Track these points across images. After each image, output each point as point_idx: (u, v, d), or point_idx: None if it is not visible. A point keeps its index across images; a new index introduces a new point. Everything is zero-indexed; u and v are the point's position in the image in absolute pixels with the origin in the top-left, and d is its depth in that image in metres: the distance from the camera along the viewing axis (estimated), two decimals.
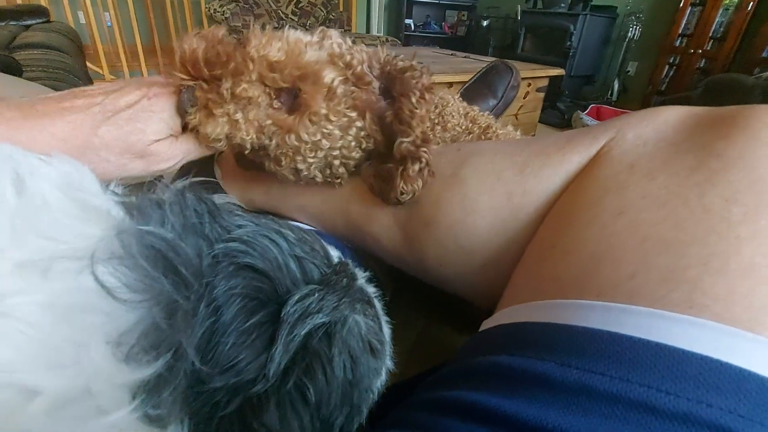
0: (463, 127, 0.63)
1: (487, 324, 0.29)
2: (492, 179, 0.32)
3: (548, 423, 0.20)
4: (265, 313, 0.18)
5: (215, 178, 0.51)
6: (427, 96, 0.35)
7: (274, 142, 0.34)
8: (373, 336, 0.23)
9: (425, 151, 0.34)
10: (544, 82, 1.88)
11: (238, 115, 0.32)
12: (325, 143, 0.36)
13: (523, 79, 1.72)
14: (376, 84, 0.37)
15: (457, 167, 0.35)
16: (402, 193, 0.34)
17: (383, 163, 0.37)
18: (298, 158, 0.36)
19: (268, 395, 0.17)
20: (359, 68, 0.35)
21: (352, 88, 0.36)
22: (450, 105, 0.63)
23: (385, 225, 0.38)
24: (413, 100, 0.34)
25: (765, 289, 0.20)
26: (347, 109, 0.35)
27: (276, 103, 0.34)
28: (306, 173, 0.38)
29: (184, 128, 0.34)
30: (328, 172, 0.39)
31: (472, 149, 0.36)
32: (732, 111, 0.26)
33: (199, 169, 0.54)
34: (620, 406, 0.19)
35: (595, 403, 0.20)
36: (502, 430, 0.22)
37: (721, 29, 2.45)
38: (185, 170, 0.56)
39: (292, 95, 0.34)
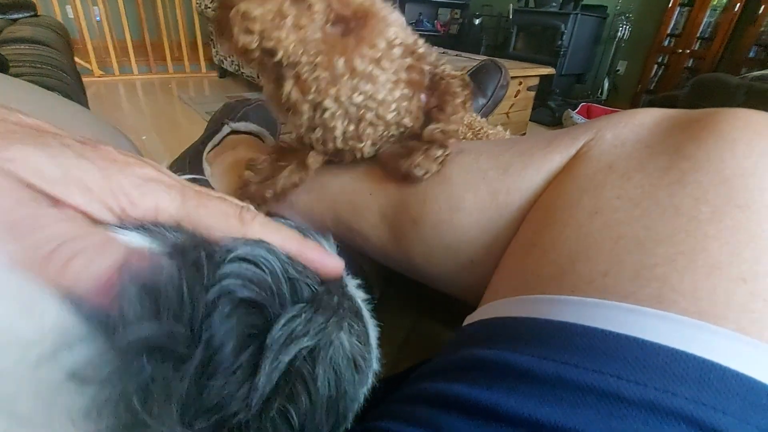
0: (462, 136, 0.64)
1: (469, 319, 0.30)
2: (477, 178, 0.33)
3: (525, 413, 0.21)
4: (254, 347, 0.18)
5: (204, 175, 0.51)
6: (467, 106, 0.36)
7: (315, 60, 0.30)
8: (359, 353, 0.23)
9: (452, 143, 0.35)
10: (535, 81, 1.90)
11: (291, 12, 0.29)
12: (369, 87, 0.33)
13: (514, 77, 1.73)
14: (427, 76, 0.37)
15: (444, 166, 0.35)
16: (416, 167, 0.34)
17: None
18: (331, 91, 0.32)
19: (250, 424, 0.17)
20: (422, 49, 0.35)
21: (409, 60, 0.35)
22: None
23: (373, 223, 0.39)
24: (457, 101, 0.35)
25: (729, 285, 0.21)
26: (401, 71, 0.34)
27: (328, 28, 0.31)
28: (327, 117, 0.33)
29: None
30: (351, 129, 0.35)
31: (459, 148, 0.37)
32: (703, 114, 0.27)
33: (193, 166, 0.54)
34: (592, 396, 0.20)
35: (570, 394, 0.21)
36: (481, 420, 0.22)
37: (709, 30, 2.49)
38: (177, 168, 0.56)
39: (346, 30, 0.32)
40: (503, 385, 0.23)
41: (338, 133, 0.35)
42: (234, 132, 0.61)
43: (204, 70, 2.92)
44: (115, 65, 2.67)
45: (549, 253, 0.26)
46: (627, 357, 0.20)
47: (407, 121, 0.36)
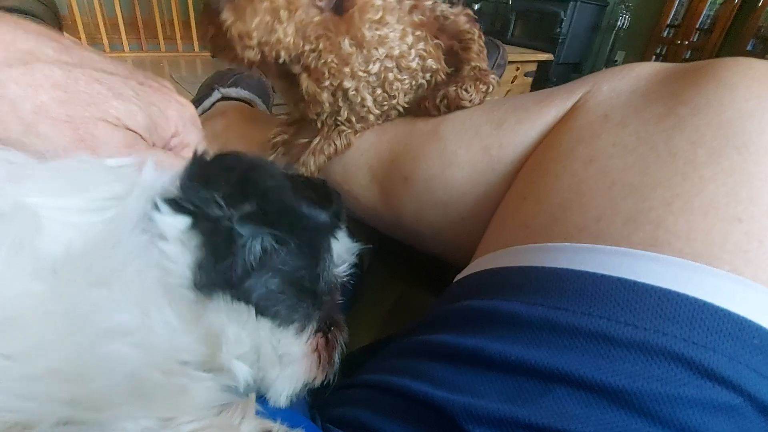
0: None
1: (460, 275, 0.30)
2: (470, 134, 0.32)
3: (510, 356, 0.21)
4: None
5: None
6: (481, 42, 0.36)
7: (319, 46, 0.30)
8: None
9: (494, 79, 0.35)
10: (532, 67, 1.88)
11: (282, 11, 0.28)
12: (382, 51, 0.32)
13: (512, 62, 1.72)
14: (440, 11, 0.36)
15: (437, 123, 0.35)
16: (464, 90, 0.34)
17: None
18: (346, 70, 0.31)
19: None
20: None
21: (409, 2, 0.34)
22: None
23: (363, 183, 0.38)
24: (477, 46, 0.35)
25: (724, 225, 0.20)
26: (405, 17, 0.33)
27: (318, 1, 0.30)
28: (351, 95, 0.33)
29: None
30: (379, 93, 0.34)
31: None
32: (701, 63, 0.26)
33: None
34: (581, 337, 0.20)
35: (558, 337, 0.20)
36: (465, 366, 0.22)
37: (708, 21, 2.48)
38: None
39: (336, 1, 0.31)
40: (492, 331, 0.23)
41: (369, 103, 0.34)
42: (224, 98, 0.60)
43: (197, 49, 2.86)
44: (105, 42, 2.60)
45: (541, 203, 0.26)
46: (618, 299, 0.20)
47: (431, 63, 0.35)
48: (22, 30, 0.20)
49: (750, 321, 0.19)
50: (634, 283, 0.20)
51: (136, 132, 0.22)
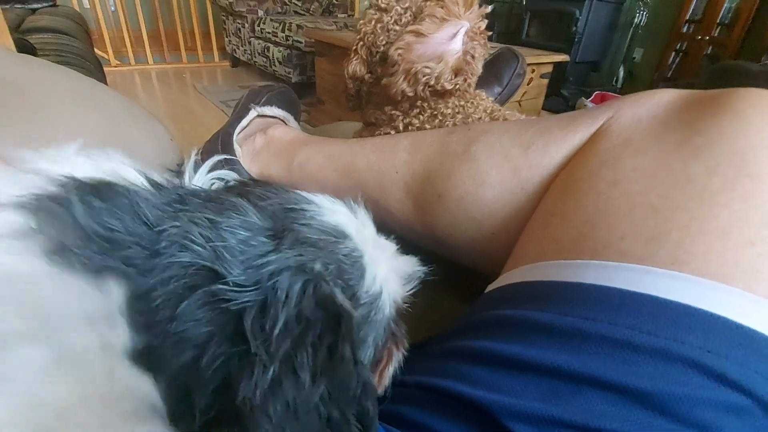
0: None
1: (492, 286, 0.32)
2: (499, 156, 0.35)
3: (544, 361, 0.23)
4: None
5: (235, 156, 0.54)
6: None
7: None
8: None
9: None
10: (548, 68, 1.88)
11: None
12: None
13: (527, 64, 1.72)
14: None
15: (468, 145, 0.38)
16: None
17: None
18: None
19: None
20: None
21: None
22: (480, 105, 0.60)
23: (398, 198, 0.41)
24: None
25: (738, 248, 0.23)
26: None
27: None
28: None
29: None
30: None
31: (482, 128, 0.39)
32: (717, 93, 0.28)
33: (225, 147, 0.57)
34: (607, 345, 0.22)
35: (586, 344, 0.23)
36: (502, 369, 0.25)
37: (729, 15, 2.42)
38: (209, 150, 0.59)
39: None
40: (525, 338, 0.25)
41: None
42: (260, 116, 0.64)
43: (217, 59, 2.95)
44: (130, 55, 2.71)
45: (570, 221, 0.28)
46: (641, 311, 0.22)
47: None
48: None
49: (760, 333, 0.21)
50: (656, 298, 0.22)
51: None
